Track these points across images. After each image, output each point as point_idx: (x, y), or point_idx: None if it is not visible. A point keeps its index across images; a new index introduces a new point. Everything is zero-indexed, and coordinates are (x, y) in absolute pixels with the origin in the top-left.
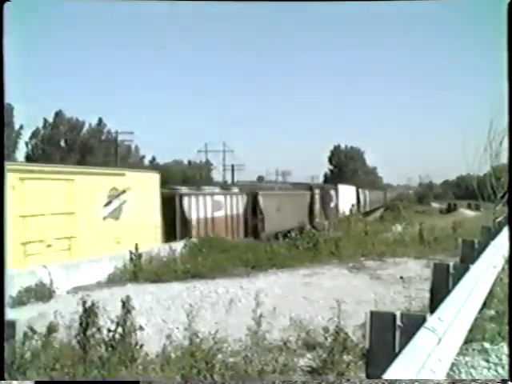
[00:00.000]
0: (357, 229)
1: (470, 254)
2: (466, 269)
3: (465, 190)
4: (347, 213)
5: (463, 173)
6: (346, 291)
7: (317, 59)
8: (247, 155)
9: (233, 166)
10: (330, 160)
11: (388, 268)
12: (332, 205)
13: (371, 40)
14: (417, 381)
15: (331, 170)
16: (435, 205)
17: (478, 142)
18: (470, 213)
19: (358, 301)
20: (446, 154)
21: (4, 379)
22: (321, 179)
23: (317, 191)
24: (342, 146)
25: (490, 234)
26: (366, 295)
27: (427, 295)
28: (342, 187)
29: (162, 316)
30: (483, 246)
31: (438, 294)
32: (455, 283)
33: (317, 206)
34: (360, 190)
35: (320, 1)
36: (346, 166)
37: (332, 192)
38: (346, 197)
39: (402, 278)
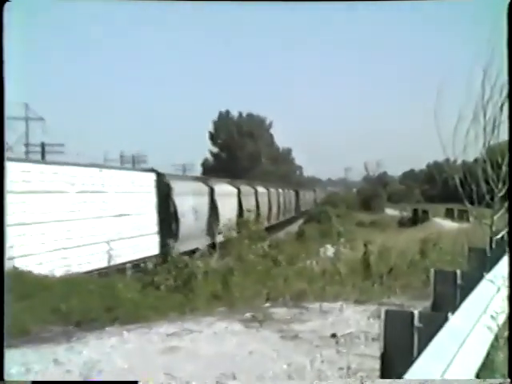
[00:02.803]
0: (258, 254)
1: (450, 294)
2: (443, 320)
3: (442, 187)
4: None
5: (438, 158)
6: (239, 362)
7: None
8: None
9: (43, 144)
10: (213, 138)
11: (311, 320)
12: None
13: None
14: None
15: (215, 155)
16: (392, 211)
17: (462, 106)
18: (450, 224)
19: (259, 377)
20: (409, 127)
21: (4, 379)
22: (198, 170)
23: None
24: (234, 113)
25: (485, 261)
26: (275, 367)
27: (377, 366)
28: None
29: None
30: (473, 282)
31: (395, 363)
32: (423, 345)
33: None
34: (260, 189)
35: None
36: (240, 147)
37: None
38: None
39: (334, 336)
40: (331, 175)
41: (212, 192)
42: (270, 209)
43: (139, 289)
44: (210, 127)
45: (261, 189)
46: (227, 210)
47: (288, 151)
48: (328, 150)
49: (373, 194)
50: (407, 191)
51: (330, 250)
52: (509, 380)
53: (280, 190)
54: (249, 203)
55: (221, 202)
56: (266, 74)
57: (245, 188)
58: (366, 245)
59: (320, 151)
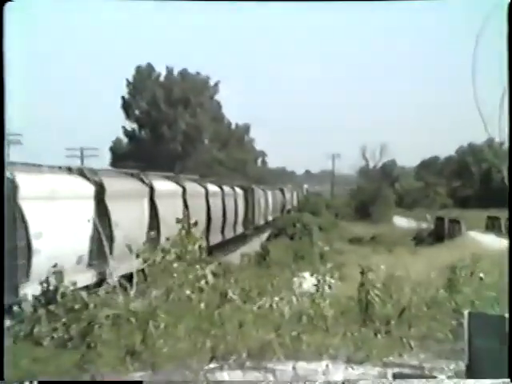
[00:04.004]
0: (197, 286)
1: (494, 351)
2: None
3: (481, 184)
4: None
5: (475, 139)
6: None
7: None
8: None
9: None
10: (128, 108)
11: None
12: None
13: None
14: None
15: (130, 134)
16: (403, 221)
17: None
18: (494, 241)
19: None
20: (429, 93)
21: (4, 379)
22: (106, 156)
23: None
24: (160, 68)
25: None
26: None
27: None
28: None
29: None
30: None
31: None
32: None
33: None
34: (162, 187)
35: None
36: (169, 122)
37: None
38: None
39: None
40: (310, 166)
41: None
42: (189, 220)
43: (8, 346)
44: (123, 91)
45: (166, 185)
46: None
47: (244, 129)
48: (305, 128)
49: (374, 194)
50: (427, 190)
51: (308, 281)
52: (509, 380)
53: (214, 189)
54: (130, 211)
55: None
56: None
57: (122, 185)
58: (364, 272)
59: (293, 130)
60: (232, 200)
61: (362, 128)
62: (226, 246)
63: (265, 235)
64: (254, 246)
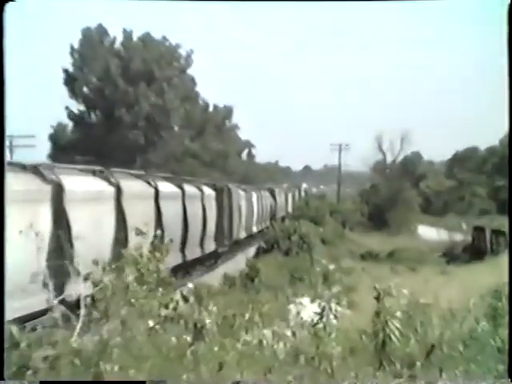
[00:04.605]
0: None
1: None
2: None
3: None
4: None
5: None
6: None
7: None
8: None
9: None
10: (72, 83)
11: None
12: None
13: None
14: None
15: (76, 117)
16: (431, 232)
17: None
18: None
19: None
20: (464, 67)
21: (4, 379)
22: (45, 146)
23: None
24: (114, 32)
25: None
26: None
27: None
28: None
29: None
30: None
31: None
32: None
33: None
34: (90, 186)
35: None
36: (128, 102)
37: None
38: None
39: None
40: (311, 161)
41: None
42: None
43: None
44: (67, 61)
45: (87, 185)
46: None
47: (226, 112)
48: (305, 112)
49: (393, 197)
50: (462, 192)
51: (308, 309)
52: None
53: (170, 189)
54: (17, 220)
55: None
56: None
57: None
58: (380, 298)
59: (289, 114)
60: (198, 204)
61: (377, 112)
62: (202, 263)
63: (251, 251)
64: (238, 263)
